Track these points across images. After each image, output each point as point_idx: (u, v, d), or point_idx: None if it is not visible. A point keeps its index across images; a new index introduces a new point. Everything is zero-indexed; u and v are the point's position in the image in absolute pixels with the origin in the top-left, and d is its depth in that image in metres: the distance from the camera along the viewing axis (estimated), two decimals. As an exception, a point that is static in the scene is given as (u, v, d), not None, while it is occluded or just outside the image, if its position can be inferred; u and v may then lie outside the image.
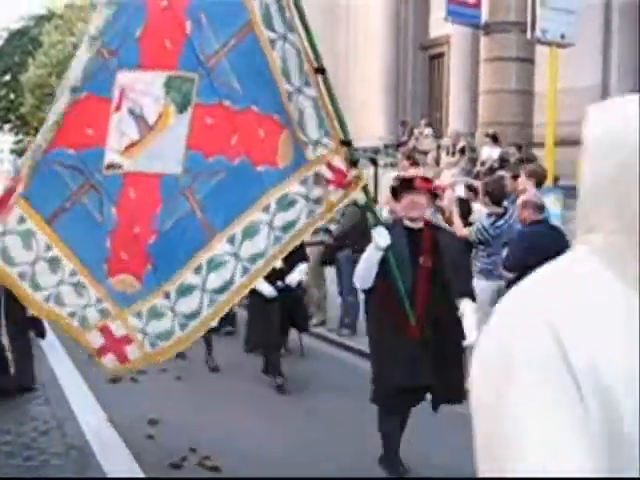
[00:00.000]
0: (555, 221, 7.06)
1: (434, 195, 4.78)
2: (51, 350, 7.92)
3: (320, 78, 4.01)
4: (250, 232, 4.04)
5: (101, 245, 4.05)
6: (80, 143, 3.96)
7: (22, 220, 4.04)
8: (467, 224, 7.05)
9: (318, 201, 4.09)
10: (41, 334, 7.59)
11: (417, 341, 4.30)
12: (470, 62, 17.50)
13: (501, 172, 9.65)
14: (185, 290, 4.08)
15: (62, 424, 5.63)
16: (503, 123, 14.80)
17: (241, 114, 3.96)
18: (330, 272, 9.51)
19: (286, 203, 4.05)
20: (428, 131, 17.79)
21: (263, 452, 5.05)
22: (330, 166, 4.05)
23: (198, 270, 4.06)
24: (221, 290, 4.08)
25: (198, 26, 3.89)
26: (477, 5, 15.72)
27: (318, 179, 4.08)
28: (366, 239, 8.22)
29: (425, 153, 16.80)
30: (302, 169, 4.05)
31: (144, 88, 3.94)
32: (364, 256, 4.47)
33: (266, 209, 4.02)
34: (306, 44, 3.97)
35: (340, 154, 4.06)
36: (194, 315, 4.13)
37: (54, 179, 3.98)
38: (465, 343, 4.38)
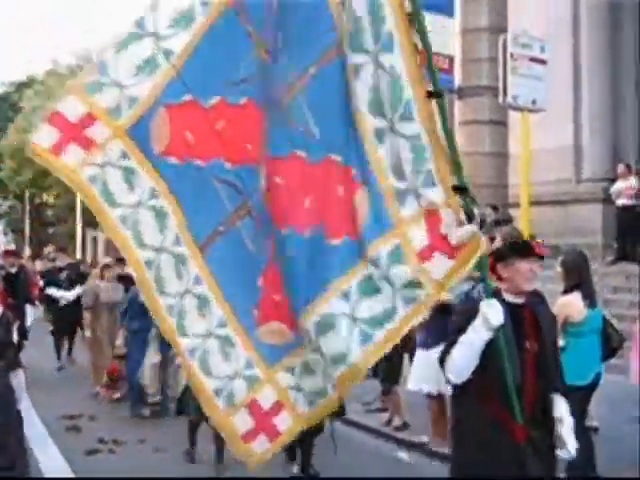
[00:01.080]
0: (533, 282, 7.09)
1: None
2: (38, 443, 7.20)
3: (435, 105, 3.14)
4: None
5: (253, 284, 3.43)
6: (238, 157, 3.38)
7: (125, 156, 3.26)
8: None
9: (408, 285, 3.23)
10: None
11: (523, 443, 3.48)
12: (445, 125, 17.85)
13: (478, 233, 9.72)
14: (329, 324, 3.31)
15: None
16: (478, 185, 15.01)
17: (318, 166, 3.31)
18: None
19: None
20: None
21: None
22: (428, 226, 3.18)
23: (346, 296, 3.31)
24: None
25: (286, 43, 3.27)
26: (450, 70, 16.12)
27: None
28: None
29: (403, 214, 16.93)
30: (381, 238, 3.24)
31: None
32: (465, 339, 3.39)
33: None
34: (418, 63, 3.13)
35: (453, 206, 3.14)
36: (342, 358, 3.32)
37: (211, 197, 3.38)
38: (565, 455, 3.59)
